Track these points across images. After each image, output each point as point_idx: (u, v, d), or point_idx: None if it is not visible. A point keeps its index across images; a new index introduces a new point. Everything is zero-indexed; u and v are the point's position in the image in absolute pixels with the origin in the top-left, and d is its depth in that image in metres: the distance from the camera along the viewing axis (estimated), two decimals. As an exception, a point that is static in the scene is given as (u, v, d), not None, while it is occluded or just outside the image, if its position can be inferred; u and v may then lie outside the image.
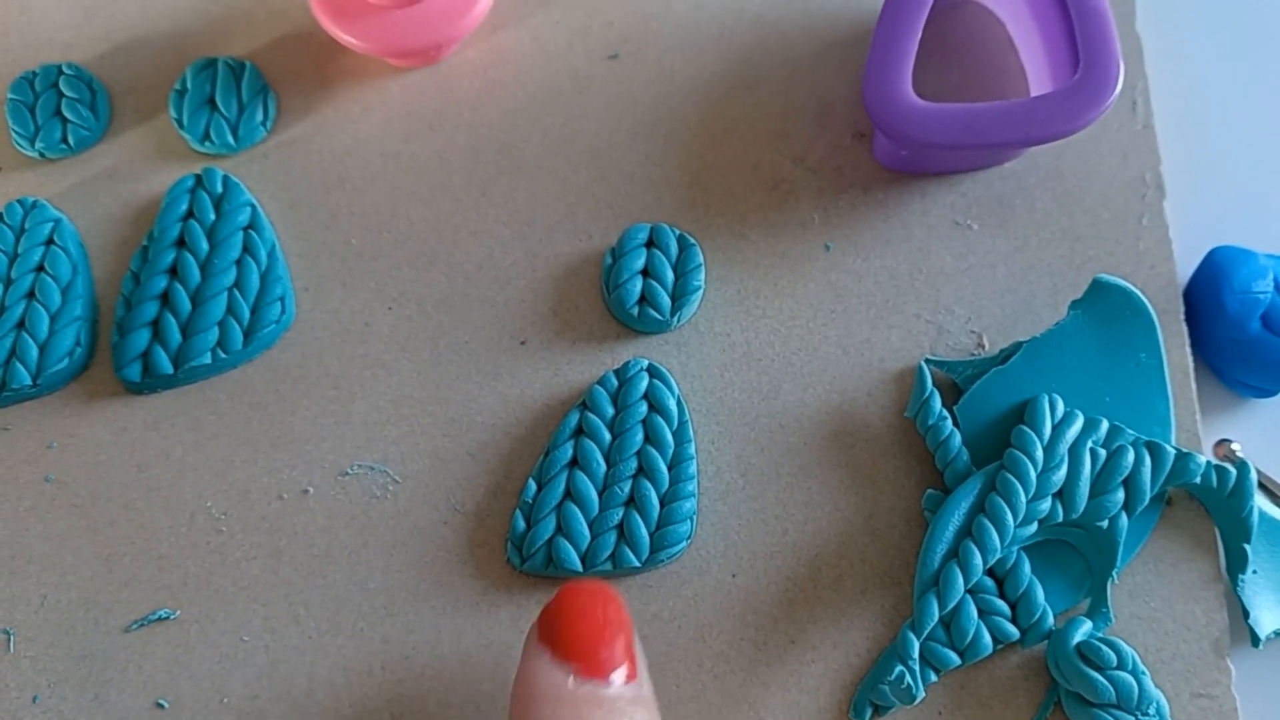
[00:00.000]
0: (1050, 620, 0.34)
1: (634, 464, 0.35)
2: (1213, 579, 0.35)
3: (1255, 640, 0.35)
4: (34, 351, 0.36)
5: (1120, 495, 0.34)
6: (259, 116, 0.39)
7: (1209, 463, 0.35)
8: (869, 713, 0.34)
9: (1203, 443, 0.37)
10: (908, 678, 0.32)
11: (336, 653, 0.34)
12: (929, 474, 0.36)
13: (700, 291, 0.37)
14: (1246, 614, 0.35)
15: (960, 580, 0.33)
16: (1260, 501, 0.36)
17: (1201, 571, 0.35)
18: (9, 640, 0.34)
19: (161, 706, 0.34)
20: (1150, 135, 0.40)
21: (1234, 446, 0.38)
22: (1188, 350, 0.38)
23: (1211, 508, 0.36)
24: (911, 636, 0.32)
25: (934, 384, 0.36)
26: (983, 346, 0.38)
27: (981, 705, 0.34)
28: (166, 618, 0.35)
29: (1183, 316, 0.38)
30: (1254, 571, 0.36)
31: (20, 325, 0.36)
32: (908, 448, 0.37)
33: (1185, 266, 0.39)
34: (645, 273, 0.37)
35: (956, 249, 0.39)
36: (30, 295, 0.37)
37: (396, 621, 0.35)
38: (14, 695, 0.34)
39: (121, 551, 0.35)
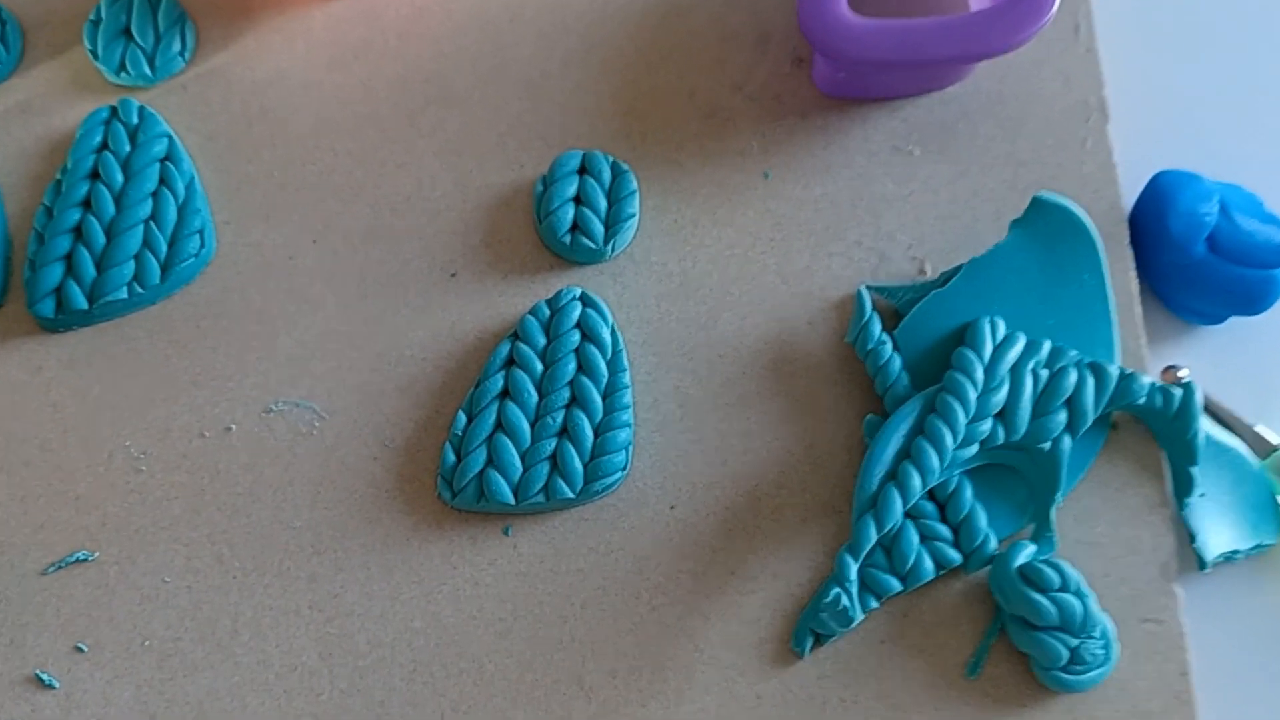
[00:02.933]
0: (993, 545, 0.33)
1: (567, 394, 0.34)
2: (1159, 503, 0.35)
3: (1202, 564, 0.35)
4: (-57, 289, 0.35)
5: (1063, 416, 0.34)
6: (176, 47, 0.38)
7: (1153, 383, 0.34)
8: (810, 642, 0.33)
9: (1150, 370, 0.36)
10: (844, 599, 0.31)
11: (262, 592, 0.33)
12: (870, 401, 0.35)
13: (634, 219, 0.36)
14: (1193, 538, 0.35)
15: (899, 502, 0.32)
16: (1208, 426, 0.36)
17: (1148, 496, 0.35)
18: (-81, 586, 0.33)
19: (81, 650, 0.33)
20: (1093, 59, 0.39)
21: (1181, 373, 0.37)
22: (1132, 274, 0.37)
23: (1157, 431, 0.35)
24: (848, 559, 0.32)
25: (874, 309, 0.35)
26: (925, 272, 0.37)
27: (925, 633, 0.33)
28: (85, 559, 0.34)
29: (1127, 241, 0.37)
30: (1201, 495, 0.35)
31: (-72, 262, 0.35)
32: (849, 375, 0.36)
33: (1130, 192, 0.38)
34: (578, 200, 0.36)
35: (898, 175, 0.38)
36: (-61, 232, 0.35)
37: (324, 560, 0.34)
38: (-75, 642, 0.33)
39: (37, 493, 0.34)
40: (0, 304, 0.36)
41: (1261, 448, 0.36)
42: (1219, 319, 0.38)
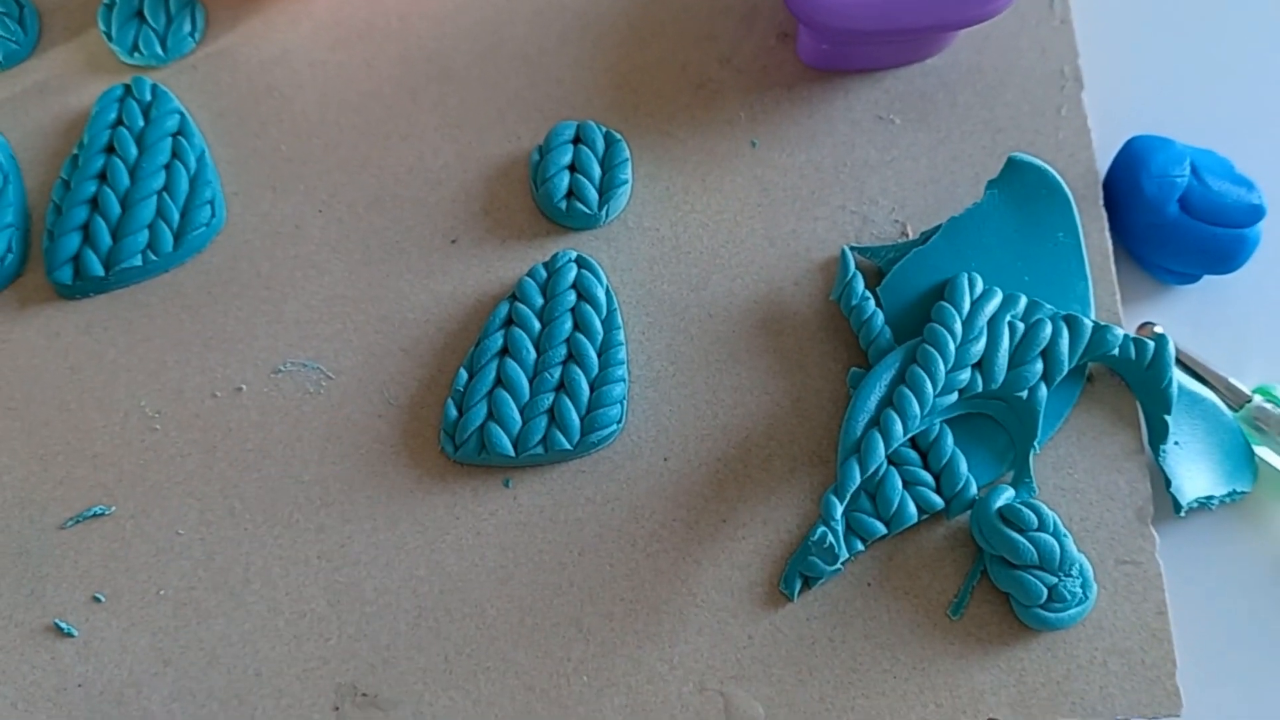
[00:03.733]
0: (974, 490, 0.35)
1: (563, 351, 0.36)
2: (1135, 450, 0.36)
3: (1177, 508, 0.36)
4: (-35, 259, 0.36)
5: (1039, 366, 0.35)
6: (187, 28, 0.40)
7: (1127, 335, 0.35)
8: (799, 584, 0.34)
9: (1126, 326, 0.38)
10: (830, 538, 0.33)
11: (273, 543, 0.35)
12: (855, 357, 0.37)
13: (627, 185, 0.38)
14: (1169, 483, 0.36)
15: (881, 446, 0.33)
16: (1182, 378, 0.37)
17: (1124, 444, 0.36)
18: (-56, 540, 0.35)
19: (98, 600, 0.34)
20: (1068, 30, 0.41)
21: (1156, 329, 0.38)
22: (1107, 234, 0.38)
23: (1132, 381, 0.36)
24: (834, 499, 0.33)
25: (857, 267, 0.37)
26: (907, 235, 0.38)
27: (909, 575, 0.35)
28: (102, 514, 0.35)
29: (1101, 202, 0.39)
30: (1175, 443, 0.36)
31: (-49, 233, 0.37)
32: (834, 333, 0.37)
33: (1104, 156, 0.40)
34: (572, 168, 0.38)
35: (880, 143, 0.39)
36: (-39, 204, 0.37)
37: (332, 511, 0.35)
38: (-50, 593, 0.34)
39: (56, 451, 0.36)
40: (20, 273, 0.37)
41: (1236, 399, 0.38)
42: (1193, 278, 0.40)
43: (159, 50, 0.39)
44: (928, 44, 0.40)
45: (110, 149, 0.38)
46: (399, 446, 0.36)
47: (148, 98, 0.38)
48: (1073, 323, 0.35)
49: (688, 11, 0.41)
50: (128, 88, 0.39)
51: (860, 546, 0.34)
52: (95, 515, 0.35)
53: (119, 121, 0.38)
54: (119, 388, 0.36)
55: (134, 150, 0.37)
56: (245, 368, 0.36)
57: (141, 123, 0.38)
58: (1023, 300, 0.36)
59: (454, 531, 0.35)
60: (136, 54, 0.39)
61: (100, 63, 0.40)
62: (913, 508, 0.34)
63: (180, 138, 0.38)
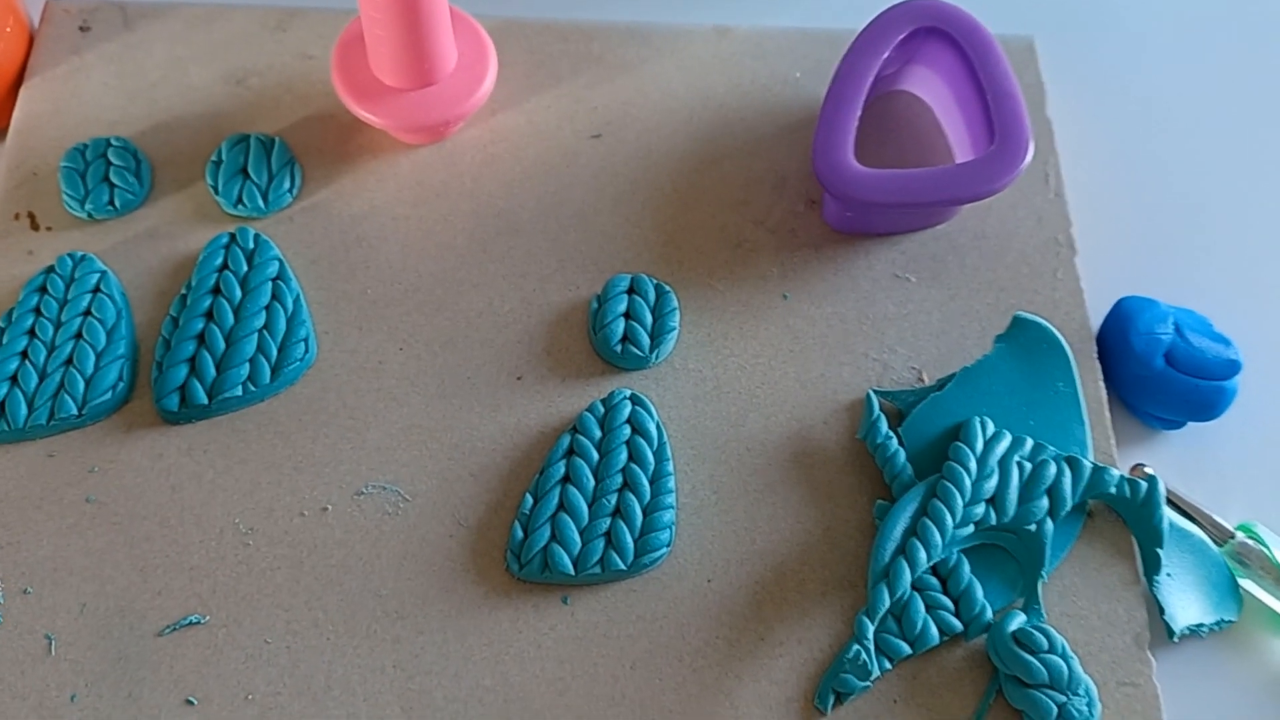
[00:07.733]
0: (989, 614, 0.38)
1: (619, 479, 0.40)
2: (1132, 581, 0.40)
3: (1170, 634, 0.40)
4: (80, 385, 0.40)
5: (1045, 502, 0.39)
6: (286, 185, 0.45)
7: (1122, 475, 0.40)
8: (831, 700, 0.38)
9: (1120, 467, 0.42)
10: (863, 655, 0.36)
11: (352, 653, 0.38)
12: (879, 490, 0.41)
13: (675, 332, 0.42)
14: (1162, 611, 0.40)
15: (907, 572, 0.37)
16: (1173, 516, 0.41)
17: (1122, 574, 0.40)
18: (50, 645, 0.38)
19: (191, 704, 0.37)
20: (1061, 202, 0.47)
21: (1147, 470, 0.42)
22: (1101, 384, 0.43)
23: (1127, 517, 0.40)
24: (866, 621, 0.37)
25: (880, 409, 0.41)
26: (922, 380, 0.43)
27: (931, 693, 0.38)
28: (196, 623, 0.38)
29: (1095, 355, 0.44)
30: (1168, 574, 0.40)
31: (69, 362, 0.41)
32: (859, 467, 0.41)
33: (1096, 314, 0.45)
34: (627, 315, 0.42)
35: (897, 298, 0.44)
36: (78, 336, 0.41)
37: (406, 624, 0.38)
38: (54, 694, 0.37)
39: (155, 564, 0.39)
40: (127, 399, 0.41)
41: (1220, 535, 0.42)
42: (1178, 424, 0.44)
43: (260, 203, 0.44)
44: (939, 213, 0.45)
45: (216, 290, 0.42)
46: (468, 564, 0.39)
47: (250, 245, 0.43)
48: (1074, 463, 0.40)
49: (726, 180, 0.47)
50: (233, 236, 0.43)
51: (888, 665, 0.38)
52: (190, 624, 0.38)
53: (225, 266, 0.43)
54: (215, 506, 0.40)
55: (238, 292, 0.42)
56: (331, 489, 0.40)
57: (245, 268, 0.42)
58: (1029, 442, 0.40)
59: (517, 645, 0.38)
60: (240, 206, 0.44)
61: (206, 212, 0.45)
62: (934, 630, 0.38)
63: (279, 282, 0.42)
